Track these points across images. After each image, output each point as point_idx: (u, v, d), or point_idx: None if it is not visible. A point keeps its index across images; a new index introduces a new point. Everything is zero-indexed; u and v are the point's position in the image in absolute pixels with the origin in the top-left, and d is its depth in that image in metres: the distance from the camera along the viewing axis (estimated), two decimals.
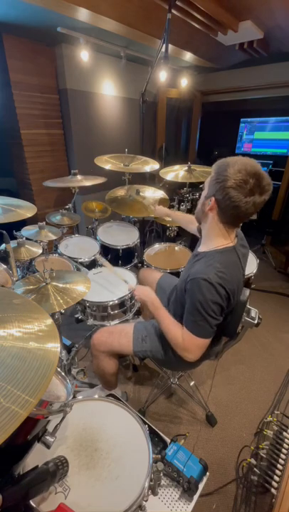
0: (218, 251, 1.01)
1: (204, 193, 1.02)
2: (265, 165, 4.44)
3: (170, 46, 2.11)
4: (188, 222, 1.58)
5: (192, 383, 1.71)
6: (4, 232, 1.25)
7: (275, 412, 1.64)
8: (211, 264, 0.96)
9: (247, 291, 1.19)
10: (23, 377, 0.47)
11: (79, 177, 2.19)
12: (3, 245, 1.27)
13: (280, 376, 1.90)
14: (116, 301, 1.49)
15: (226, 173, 0.89)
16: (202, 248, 1.10)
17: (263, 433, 1.49)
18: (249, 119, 4.51)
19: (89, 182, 2.15)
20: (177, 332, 1.05)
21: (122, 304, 1.53)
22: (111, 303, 1.48)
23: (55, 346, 0.57)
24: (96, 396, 1.01)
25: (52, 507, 0.66)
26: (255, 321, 1.17)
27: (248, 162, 0.89)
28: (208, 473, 1.04)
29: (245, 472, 1.37)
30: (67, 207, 2.27)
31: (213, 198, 0.96)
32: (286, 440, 1.38)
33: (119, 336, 1.29)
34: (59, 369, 0.83)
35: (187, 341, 1.01)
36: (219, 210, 0.97)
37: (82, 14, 1.80)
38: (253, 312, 1.19)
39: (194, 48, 2.59)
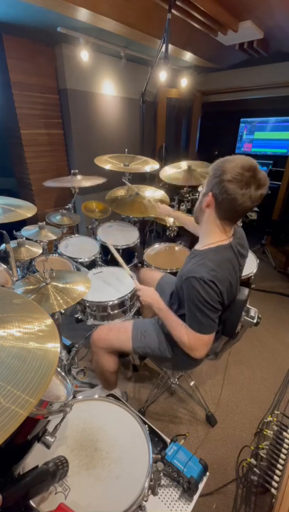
0: (212, 249, 1.02)
1: (202, 191, 1.05)
2: (265, 165, 4.43)
3: (170, 46, 2.10)
4: (192, 222, 1.59)
5: (192, 383, 1.71)
6: (4, 232, 1.25)
7: (275, 412, 1.64)
8: (203, 263, 0.97)
9: (246, 291, 1.19)
10: (23, 377, 0.47)
11: (79, 177, 2.19)
12: (3, 245, 1.28)
13: (280, 376, 1.91)
14: (116, 301, 1.49)
15: (223, 168, 0.93)
16: (198, 246, 1.12)
17: (263, 433, 1.49)
18: (249, 119, 4.51)
19: (89, 182, 2.15)
20: (182, 332, 1.05)
21: (122, 304, 1.53)
22: (111, 303, 1.48)
23: (55, 346, 0.57)
24: (96, 396, 1.01)
25: (52, 507, 0.66)
26: (255, 321, 1.16)
27: (243, 158, 0.93)
28: (208, 473, 1.04)
29: (245, 472, 1.37)
30: (67, 207, 2.27)
31: (210, 193, 0.98)
32: (286, 440, 1.38)
33: (118, 332, 1.30)
34: (59, 369, 0.83)
35: (193, 340, 1.02)
36: (216, 205, 0.99)
37: (82, 14, 1.80)
38: (253, 311, 1.18)
39: (194, 48, 2.59)
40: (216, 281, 0.93)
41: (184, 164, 2.31)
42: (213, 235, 1.04)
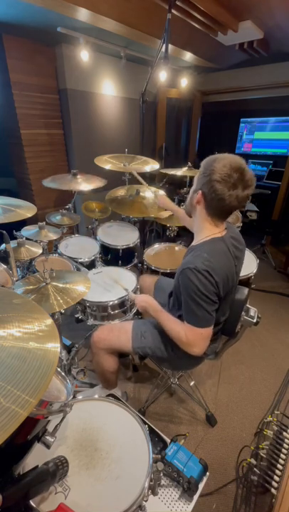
0: (206, 242, 1.05)
1: (193, 188, 1.08)
2: (265, 165, 4.43)
3: (170, 46, 2.10)
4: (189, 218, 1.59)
5: (192, 383, 1.71)
6: (4, 232, 1.25)
7: (275, 412, 1.64)
8: (198, 255, 0.99)
9: (246, 291, 1.19)
10: (23, 377, 0.47)
11: (79, 178, 2.19)
12: (3, 245, 1.28)
13: (280, 376, 1.91)
14: (116, 301, 1.49)
15: (212, 168, 0.94)
16: (193, 242, 1.14)
17: (263, 433, 1.49)
18: (249, 119, 4.51)
19: (88, 186, 2.13)
20: (179, 328, 1.06)
21: (122, 304, 1.53)
22: (111, 303, 1.48)
23: (55, 346, 0.57)
24: (96, 396, 1.01)
25: (52, 507, 0.66)
26: (254, 320, 1.16)
27: (233, 158, 0.94)
28: (208, 473, 1.04)
29: (245, 472, 1.37)
30: (67, 207, 2.27)
31: (200, 191, 1.01)
32: (286, 440, 1.38)
33: (118, 332, 1.30)
34: (59, 369, 0.83)
35: (190, 334, 1.02)
36: (205, 203, 1.02)
37: (82, 14, 1.80)
38: (252, 311, 1.18)
39: (194, 48, 2.59)
40: (211, 271, 0.94)
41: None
42: (206, 230, 1.07)
